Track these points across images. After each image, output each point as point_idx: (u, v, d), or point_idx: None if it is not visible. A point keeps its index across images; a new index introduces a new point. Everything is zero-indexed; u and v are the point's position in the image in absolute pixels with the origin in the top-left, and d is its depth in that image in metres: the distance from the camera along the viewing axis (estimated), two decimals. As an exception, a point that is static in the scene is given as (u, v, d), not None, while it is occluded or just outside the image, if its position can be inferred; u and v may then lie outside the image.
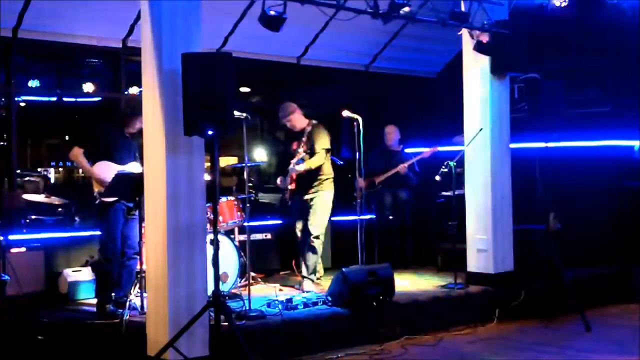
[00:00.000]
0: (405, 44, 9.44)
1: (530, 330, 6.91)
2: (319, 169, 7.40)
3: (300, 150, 7.44)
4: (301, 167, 7.36)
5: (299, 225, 7.53)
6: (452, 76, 8.44)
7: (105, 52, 8.08)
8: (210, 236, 5.35)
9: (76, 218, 8.19)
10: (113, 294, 6.34)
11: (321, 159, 7.38)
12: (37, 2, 7.00)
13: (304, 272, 7.43)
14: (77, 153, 6.37)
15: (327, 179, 7.46)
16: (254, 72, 8.98)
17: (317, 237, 7.35)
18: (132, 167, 6.44)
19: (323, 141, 7.42)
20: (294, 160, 7.46)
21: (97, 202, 6.36)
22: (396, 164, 8.79)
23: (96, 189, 6.34)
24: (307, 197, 7.41)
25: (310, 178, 7.41)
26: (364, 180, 7.32)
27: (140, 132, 6.40)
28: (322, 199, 7.40)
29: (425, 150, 8.70)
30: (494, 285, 7.39)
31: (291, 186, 7.52)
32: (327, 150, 7.45)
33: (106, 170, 6.31)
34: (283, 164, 7.71)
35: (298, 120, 7.50)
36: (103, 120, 6.60)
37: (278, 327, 5.95)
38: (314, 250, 7.38)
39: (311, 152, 7.40)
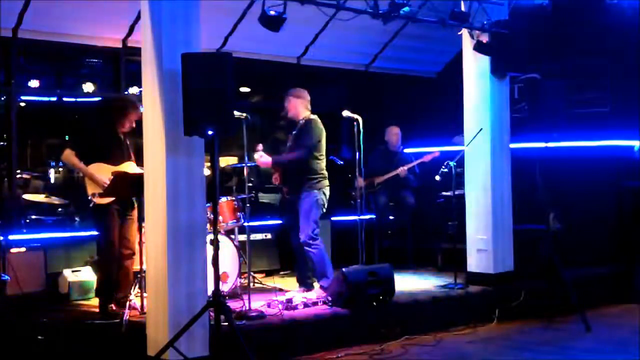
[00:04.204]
0: (405, 44, 9.44)
1: (530, 330, 6.91)
2: (306, 168, 6.84)
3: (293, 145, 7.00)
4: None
5: (289, 229, 7.14)
6: (452, 76, 8.43)
7: (105, 52, 8.08)
8: (210, 236, 5.34)
9: (76, 218, 8.20)
10: (116, 295, 6.33)
11: (300, 155, 6.80)
12: (37, 2, 7.00)
13: (314, 278, 7.06)
14: (69, 154, 6.27)
15: (316, 180, 6.87)
16: (254, 72, 8.97)
17: (306, 244, 6.82)
18: (127, 167, 6.36)
19: (307, 137, 6.84)
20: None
21: (91, 205, 6.27)
22: (397, 165, 8.80)
23: (90, 190, 6.23)
24: (293, 197, 6.95)
25: (297, 177, 6.91)
26: (363, 181, 7.29)
27: (133, 131, 6.41)
28: (308, 202, 6.83)
29: (426, 155, 8.71)
30: (493, 285, 7.39)
31: (275, 178, 7.07)
32: (312, 148, 6.85)
33: (101, 171, 6.24)
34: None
35: (294, 107, 6.98)
36: (95, 121, 6.56)
37: (278, 327, 5.95)
38: (310, 257, 6.87)
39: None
